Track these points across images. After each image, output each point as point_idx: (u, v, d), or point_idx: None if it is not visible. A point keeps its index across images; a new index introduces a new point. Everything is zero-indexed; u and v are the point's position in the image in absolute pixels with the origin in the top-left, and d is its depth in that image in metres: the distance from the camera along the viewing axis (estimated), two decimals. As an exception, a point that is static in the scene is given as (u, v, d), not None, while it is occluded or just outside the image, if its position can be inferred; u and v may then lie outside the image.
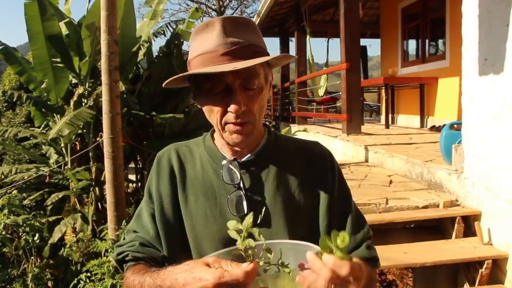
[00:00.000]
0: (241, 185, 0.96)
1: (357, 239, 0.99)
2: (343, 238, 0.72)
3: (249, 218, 0.76)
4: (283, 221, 0.95)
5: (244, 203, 0.95)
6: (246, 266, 0.71)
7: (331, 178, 1.01)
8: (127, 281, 0.93)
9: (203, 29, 0.91)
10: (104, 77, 3.63)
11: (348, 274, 0.70)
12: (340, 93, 6.54)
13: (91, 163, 5.24)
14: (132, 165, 6.18)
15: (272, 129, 1.10)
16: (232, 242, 0.81)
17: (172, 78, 0.92)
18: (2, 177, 5.10)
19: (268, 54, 0.92)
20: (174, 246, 0.97)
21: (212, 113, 0.92)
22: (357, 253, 0.98)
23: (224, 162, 0.99)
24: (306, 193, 0.99)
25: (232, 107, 0.88)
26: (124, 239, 1.07)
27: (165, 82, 0.94)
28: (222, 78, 0.88)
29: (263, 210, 0.93)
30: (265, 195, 0.97)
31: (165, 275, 0.82)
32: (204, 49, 0.89)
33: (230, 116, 0.90)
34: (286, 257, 0.80)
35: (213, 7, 22.34)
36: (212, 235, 0.95)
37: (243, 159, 0.99)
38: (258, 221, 0.94)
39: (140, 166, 6.06)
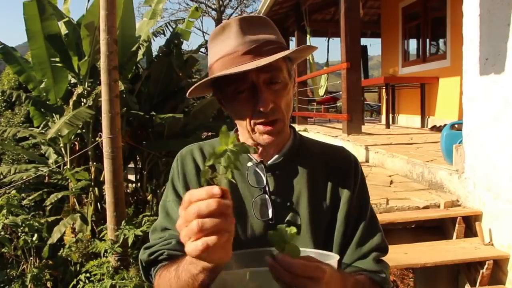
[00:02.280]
0: (267, 188, 0.94)
1: (363, 250, 0.95)
2: (290, 230, 0.70)
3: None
4: (307, 225, 0.93)
5: (269, 207, 0.93)
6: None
7: (353, 184, 0.99)
8: (162, 276, 0.85)
9: (220, 32, 0.91)
10: (103, 77, 3.61)
11: (301, 273, 0.66)
12: (341, 92, 6.53)
13: (90, 163, 5.22)
14: (131, 165, 6.16)
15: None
16: (255, 245, 0.80)
17: (194, 86, 0.91)
18: (1, 177, 5.09)
19: (287, 48, 0.92)
20: None
21: (241, 116, 0.91)
22: (361, 264, 0.95)
23: (249, 164, 0.96)
24: (328, 198, 0.97)
25: (260, 105, 0.87)
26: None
27: (188, 92, 0.93)
28: (246, 77, 0.87)
29: (289, 215, 0.93)
30: (289, 199, 0.95)
31: None
32: (224, 52, 0.88)
33: (258, 115, 0.88)
34: None
35: (212, 6, 22.34)
36: (235, 237, 0.93)
37: (269, 162, 0.97)
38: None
39: (140, 166, 6.04)
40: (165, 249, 0.91)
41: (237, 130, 1.03)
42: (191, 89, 0.92)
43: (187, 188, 0.97)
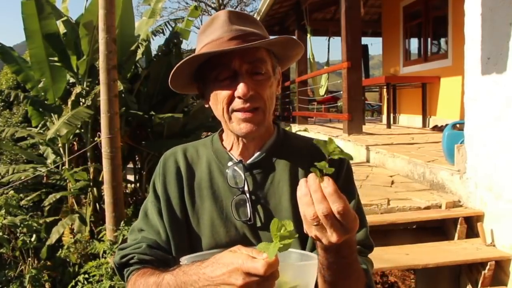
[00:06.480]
0: (245, 188, 0.93)
1: None
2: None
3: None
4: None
5: (248, 207, 0.92)
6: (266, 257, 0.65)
7: (335, 178, 0.96)
8: (137, 285, 0.87)
9: (209, 24, 0.91)
10: (102, 76, 3.60)
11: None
12: (341, 92, 6.50)
13: (89, 163, 5.21)
14: (130, 165, 6.15)
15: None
16: (234, 246, 0.78)
17: (176, 67, 0.90)
18: (-1, 177, 5.08)
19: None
20: (180, 246, 0.94)
21: (218, 102, 0.90)
22: None
23: (230, 163, 0.96)
24: None
25: (239, 90, 0.85)
26: (124, 238, 1.04)
27: (170, 77, 0.92)
28: (229, 63, 0.87)
29: (269, 214, 0.91)
30: (269, 198, 0.94)
31: (192, 270, 0.74)
32: (210, 39, 0.89)
33: (237, 102, 0.87)
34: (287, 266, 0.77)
35: (212, 5, 22.29)
36: (219, 238, 0.92)
37: (249, 161, 0.96)
38: (259, 225, 0.92)
39: (139, 166, 6.03)
40: (135, 253, 0.93)
41: (222, 131, 1.02)
42: (172, 75, 0.92)
43: (165, 188, 0.97)
